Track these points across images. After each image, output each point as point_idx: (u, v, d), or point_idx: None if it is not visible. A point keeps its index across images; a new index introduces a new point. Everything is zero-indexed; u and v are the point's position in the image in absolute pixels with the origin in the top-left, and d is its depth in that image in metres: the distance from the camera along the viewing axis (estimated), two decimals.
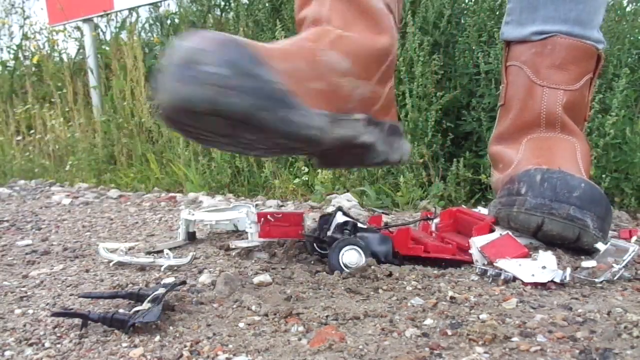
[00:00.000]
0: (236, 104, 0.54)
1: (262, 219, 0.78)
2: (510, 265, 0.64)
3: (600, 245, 0.68)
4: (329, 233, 0.72)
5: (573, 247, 0.72)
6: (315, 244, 0.76)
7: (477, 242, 0.70)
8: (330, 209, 1.12)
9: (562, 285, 0.61)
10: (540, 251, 0.69)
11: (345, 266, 0.67)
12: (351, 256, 0.68)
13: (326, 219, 0.76)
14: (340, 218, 0.74)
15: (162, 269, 0.71)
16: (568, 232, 0.70)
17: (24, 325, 0.54)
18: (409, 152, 0.79)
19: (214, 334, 0.50)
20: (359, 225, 0.73)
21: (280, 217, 0.78)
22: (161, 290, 0.56)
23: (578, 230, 0.70)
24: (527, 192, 0.72)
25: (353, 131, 0.67)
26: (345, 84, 0.66)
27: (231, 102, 0.54)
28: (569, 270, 0.62)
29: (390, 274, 0.64)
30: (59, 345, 0.50)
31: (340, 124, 0.66)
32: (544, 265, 0.63)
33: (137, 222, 1.09)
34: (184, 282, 0.62)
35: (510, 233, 0.72)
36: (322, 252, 0.75)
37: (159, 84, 0.55)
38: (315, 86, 0.63)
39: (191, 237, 0.86)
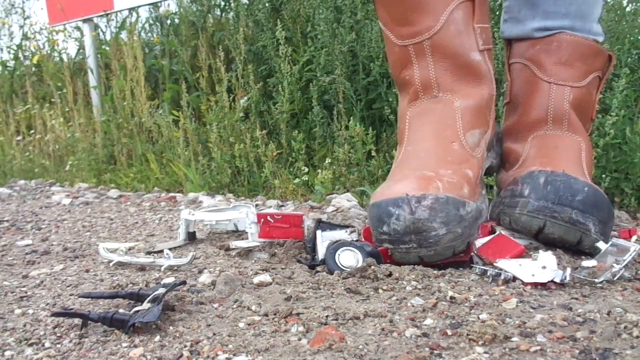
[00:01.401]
0: (460, 247, 0.68)
1: (262, 219, 0.78)
2: (510, 265, 0.64)
3: (601, 245, 0.68)
4: (320, 256, 0.72)
5: (574, 249, 0.72)
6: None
7: (474, 245, 0.70)
8: (330, 209, 1.12)
9: (562, 285, 0.61)
10: (540, 251, 0.69)
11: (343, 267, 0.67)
12: (347, 257, 0.68)
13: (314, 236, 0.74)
14: (325, 236, 0.72)
15: (162, 269, 0.71)
16: (569, 235, 0.70)
17: (24, 325, 0.54)
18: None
19: (214, 334, 0.50)
20: (349, 240, 0.72)
21: (280, 218, 0.78)
22: (161, 290, 0.56)
23: (579, 234, 0.70)
24: (530, 194, 0.72)
25: (482, 171, 0.79)
26: (482, 148, 0.78)
27: (457, 246, 0.68)
28: (569, 270, 0.62)
29: (390, 274, 0.64)
30: (59, 345, 0.50)
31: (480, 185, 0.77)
32: (544, 265, 0.63)
33: (137, 222, 1.09)
34: (184, 282, 0.62)
35: (503, 232, 0.72)
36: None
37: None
38: (480, 175, 0.77)
39: (191, 237, 0.87)
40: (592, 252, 0.71)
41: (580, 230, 0.70)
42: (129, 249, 0.83)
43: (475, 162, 0.76)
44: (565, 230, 0.70)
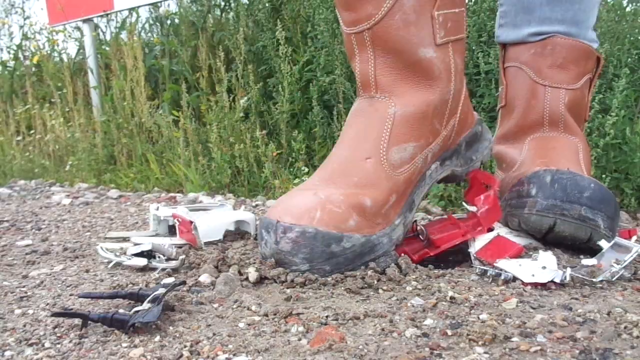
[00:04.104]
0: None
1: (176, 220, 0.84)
2: (510, 266, 0.64)
3: (603, 243, 0.68)
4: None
5: (583, 247, 0.72)
6: None
7: (474, 248, 0.70)
8: None
9: (562, 285, 0.61)
10: (540, 251, 0.68)
11: None
12: None
13: None
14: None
15: (157, 272, 0.70)
16: (580, 232, 0.70)
17: (24, 325, 0.54)
18: (491, 143, 0.81)
19: (214, 334, 0.50)
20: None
21: (181, 221, 0.83)
22: (161, 290, 0.56)
23: (590, 230, 0.70)
24: (538, 194, 0.72)
25: (429, 184, 0.73)
26: (417, 163, 0.69)
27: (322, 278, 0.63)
28: (569, 270, 0.62)
29: (389, 274, 0.64)
30: (59, 345, 0.50)
31: (418, 195, 0.71)
32: (544, 266, 0.63)
33: (137, 222, 1.09)
34: (183, 282, 0.62)
35: (500, 234, 0.72)
36: None
37: None
38: (391, 201, 0.67)
39: (172, 230, 0.89)
40: (597, 251, 0.70)
41: (590, 227, 0.70)
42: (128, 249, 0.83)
43: (392, 184, 0.66)
44: (576, 227, 0.70)
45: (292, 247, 0.62)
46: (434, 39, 0.66)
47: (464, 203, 0.80)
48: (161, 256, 0.73)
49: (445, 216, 0.76)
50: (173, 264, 0.71)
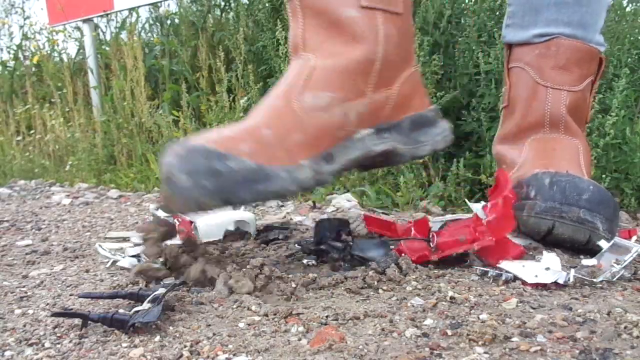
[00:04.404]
0: (211, 203, 0.62)
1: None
2: (513, 267, 0.64)
3: (603, 243, 0.68)
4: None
5: (582, 249, 0.72)
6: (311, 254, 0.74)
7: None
8: (330, 209, 1.12)
9: (562, 285, 0.61)
10: (544, 252, 0.68)
11: None
12: None
13: (325, 226, 0.74)
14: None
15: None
16: (579, 235, 0.70)
17: (24, 325, 0.54)
18: (448, 134, 0.77)
19: (214, 334, 0.50)
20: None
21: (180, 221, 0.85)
22: (161, 290, 0.56)
23: (588, 232, 0.70)
24: (537, 196, 0.72)
25: (361, 150, 0.71)
26: (334, 115, 0.68)
27: (206, 202, 0.61)
28: (572, 271, 0.62)
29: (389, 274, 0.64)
30: (59, 345, 0.50)
31: (341, 153, 0.69)
32: (548, 267, 0.63)
33: (137, 222, 1.09)
34: (184, 282, 0.62)
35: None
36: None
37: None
38: (295, 139, 0.67)
39: None
40: (597, 252, 0.70)
41: (589, 229, 0.70)
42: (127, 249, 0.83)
43: (297, 122, 0.67)
44: (574, 229, 0.70)
45: (177, 160, 0.62)
46: (358, 1, 0.69)
47: (467, 201, 0.79)
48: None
49: (471, 215, 0.73)
50: None
